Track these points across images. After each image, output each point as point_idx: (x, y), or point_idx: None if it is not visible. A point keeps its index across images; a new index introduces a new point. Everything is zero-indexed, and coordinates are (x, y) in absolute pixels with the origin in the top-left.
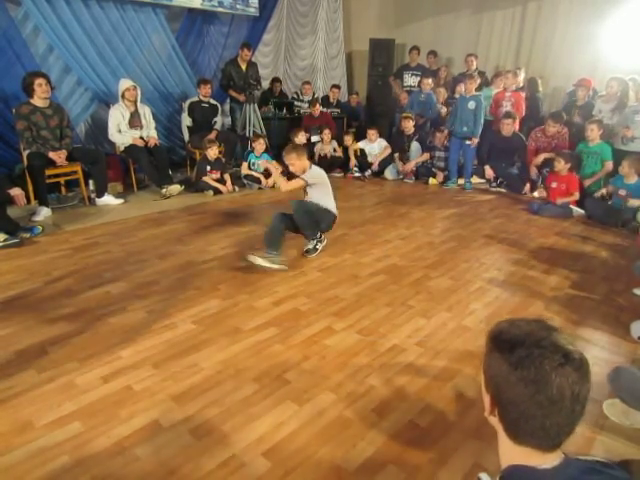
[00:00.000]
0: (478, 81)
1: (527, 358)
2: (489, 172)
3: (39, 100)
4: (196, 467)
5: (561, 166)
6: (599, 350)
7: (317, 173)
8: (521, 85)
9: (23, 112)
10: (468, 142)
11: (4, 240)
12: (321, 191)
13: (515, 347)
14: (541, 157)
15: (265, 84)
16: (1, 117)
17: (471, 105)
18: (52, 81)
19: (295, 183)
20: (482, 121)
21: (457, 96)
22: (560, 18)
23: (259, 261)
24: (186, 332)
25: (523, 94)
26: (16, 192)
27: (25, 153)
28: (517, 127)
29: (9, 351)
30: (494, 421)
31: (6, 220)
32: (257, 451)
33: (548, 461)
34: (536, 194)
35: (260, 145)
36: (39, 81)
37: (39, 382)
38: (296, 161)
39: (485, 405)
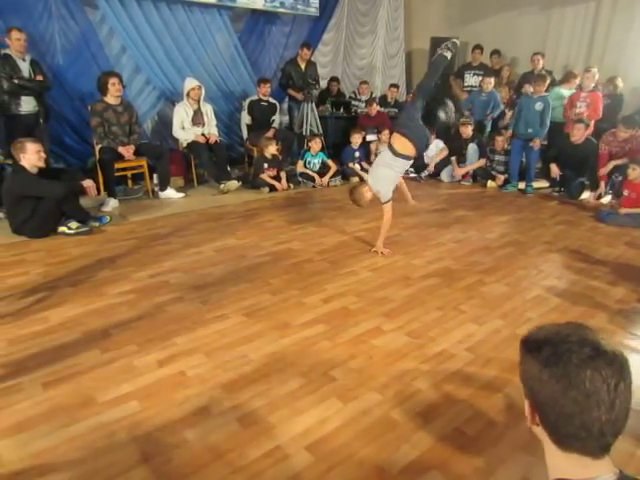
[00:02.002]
0: (548, 81)
1: (554, 354)
2: (554, 170)
3: (112, 98)
4: (242, 454)
5: (636, 174)
6: None
7: (380, 186)
8: (593, 84)
9: (97, 109)
10: (532, 144)
11: (76, 228)
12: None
13: (542, 346)
14: (610, 165)
15: (323, 83)
16: (78, 114)
17: (538, 106)
18: (124, 80)
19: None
20: (548, 122)
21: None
22: (638, 13)
23: None
24: (237, 324)
25: (600, 94)
26: (88, 184)
27: (97, 147)
28: (590, 131)
29: (77, 331)
30: (538, 431)
31: (79, 209)
32: (301, 444)
33: (600, 471)
34: (604, 201)
35: (316, 144)
36: (112, 80)
37: (102, 361)
38: (362, 199)
39: (527, 414)
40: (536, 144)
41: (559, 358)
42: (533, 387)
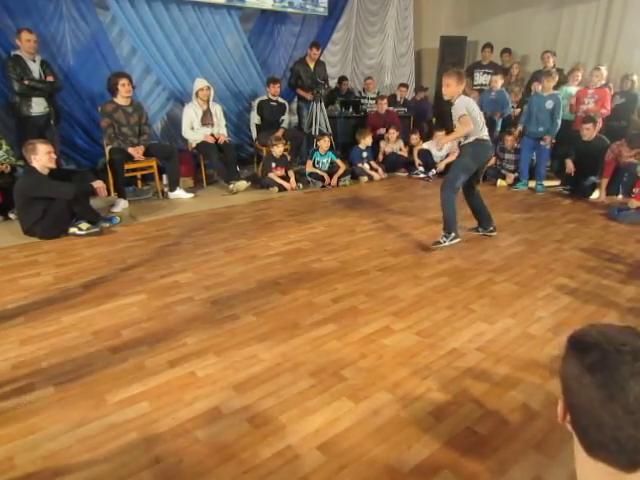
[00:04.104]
0: (556, 78)
1: (602, 361)
2: (570, 166)
3: (122, 99)
4: (253, 454)
5: None
6: None
7: (460, 105)
8: (604, 82)
9: (107, 110)
10: (543, 142)
11: (87, 229)
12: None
13: (591, 348)
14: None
15: (333, 83)
16: (88, 115)
17: (549, 104)
18: (134, 81)
19: (456, 132)
20: (559, 121)
21: (532, 94)
22: None
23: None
24: (247, 324)
25: (609, 91)
26: (98, 184)
27: (107, 148)
28: (599, 127)
29: (88, 331)
30: (570, 428)
31: (89, 210)
32: (312, 444)
33: None
34: (619, 199)
35: (325, 143)
36: (122, 81)
37: (113, 362)
38: (453, 84)
39: (559, 411)
40: (547, 141)
41: (606, 366)
42: (570, 387)
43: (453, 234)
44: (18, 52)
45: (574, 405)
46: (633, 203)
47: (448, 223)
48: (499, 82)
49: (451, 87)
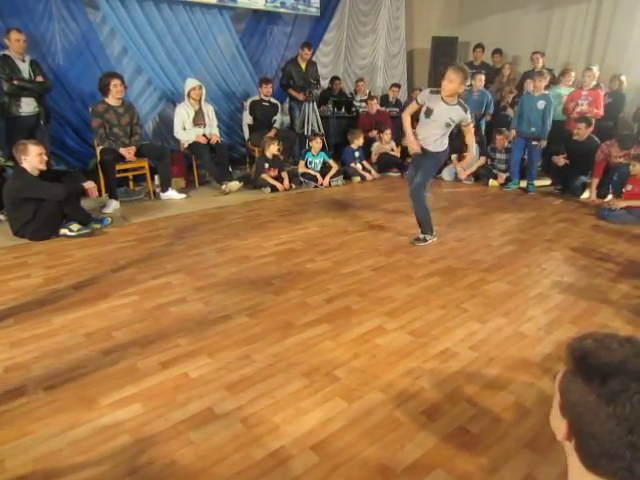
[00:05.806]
0: (548, 78)
1: (623, 393)
2: (560, 160)
3: (113, 99)
4: (246, 455)
5: (637, 169)
6: None
7: (462, 111)
8: (595, 82)
9: (98, 110)
10: (535, 143)
11: (78, 230)
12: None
13: (607, 377)
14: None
15: (325, 83)
16: (79, 115)
17: (540, 105)
18: (125, 81)
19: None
20: (550, 122)
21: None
22: None
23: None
24: (240, 324)
25: (602, 92)
26: (89, 185)
27: (98, 149)
28: (592, 129)
29: (80, 333)
30: (568, 446)
31: (80, 211)
32: (306, 445)
33: None
34: (606, 199)
35: (317, 144)
36: (114, 82)
37: (104, 364)
38: (457, 81)
39: (557, 429)
40: (541, 144)
41: (628, 399)
42: (582, 415)
43: (435, 232)
44: (7, 52)
45: (583, 432)
46: (617, 203)
47: (428, 223)
48: (481, 81)
49: (454, 84)
